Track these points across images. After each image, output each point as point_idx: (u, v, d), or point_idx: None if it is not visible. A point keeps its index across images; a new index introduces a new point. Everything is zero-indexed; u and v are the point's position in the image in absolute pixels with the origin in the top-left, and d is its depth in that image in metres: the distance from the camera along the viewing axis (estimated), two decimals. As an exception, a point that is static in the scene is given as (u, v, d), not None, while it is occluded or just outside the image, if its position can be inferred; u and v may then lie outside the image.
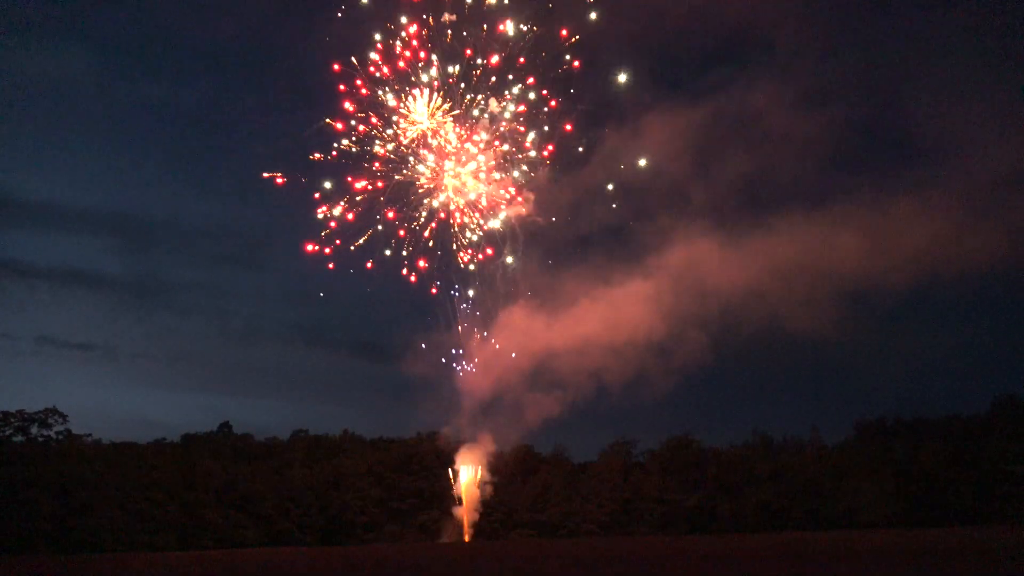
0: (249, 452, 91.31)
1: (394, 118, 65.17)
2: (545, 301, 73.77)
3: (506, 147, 66.47)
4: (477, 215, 68.18)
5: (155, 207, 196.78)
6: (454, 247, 68.78)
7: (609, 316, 73.46)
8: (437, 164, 66.76)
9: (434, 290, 70.25)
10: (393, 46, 63.85)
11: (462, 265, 69.57)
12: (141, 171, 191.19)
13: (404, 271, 68.46)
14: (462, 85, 64.25)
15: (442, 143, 66.25)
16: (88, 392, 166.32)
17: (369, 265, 67.60)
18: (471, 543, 76.59)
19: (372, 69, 64.12)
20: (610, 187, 68.89)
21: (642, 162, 68.59)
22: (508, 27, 63.13)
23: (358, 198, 66.17)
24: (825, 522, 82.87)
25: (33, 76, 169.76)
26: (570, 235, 72.10)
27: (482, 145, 66.30)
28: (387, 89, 64.44)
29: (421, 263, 68.45)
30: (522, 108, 65.37)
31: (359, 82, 64.27)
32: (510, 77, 64.56)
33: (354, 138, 65.26)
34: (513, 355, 72.91)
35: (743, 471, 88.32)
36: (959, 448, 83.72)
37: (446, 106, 64.73)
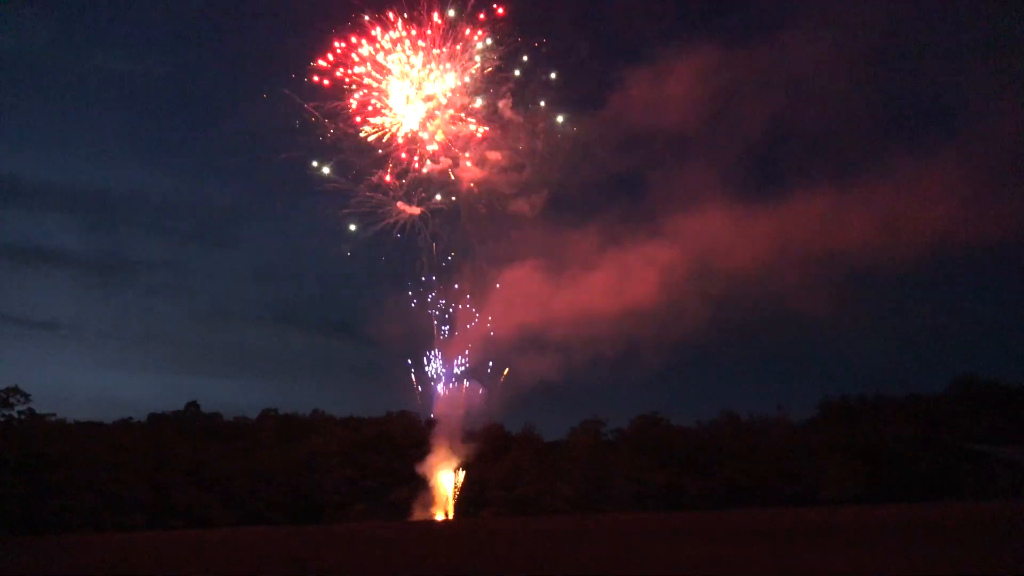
0: (218, 432, 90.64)
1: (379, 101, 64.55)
2: (544, 262, 73.07)
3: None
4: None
5: (119, 183, 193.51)
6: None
7: (609, 282, 72.39)
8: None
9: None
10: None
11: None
12: (105, 146, 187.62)
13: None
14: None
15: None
16: (52, 372, 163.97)
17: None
18: (442, 521, 76.87)
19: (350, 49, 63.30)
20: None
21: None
22: None
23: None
24: (791, 499, 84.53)
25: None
26: (575, 190, 71.02)
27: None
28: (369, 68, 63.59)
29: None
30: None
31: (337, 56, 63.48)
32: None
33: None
34: (504, 315, 72.06)
35: (711, 449, 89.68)
36: (921, 427, 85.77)
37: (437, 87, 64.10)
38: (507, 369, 73.89)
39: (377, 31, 63.09)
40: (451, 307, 73.70)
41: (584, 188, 71.67)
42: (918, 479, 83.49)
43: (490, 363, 74.50)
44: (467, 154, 66.82)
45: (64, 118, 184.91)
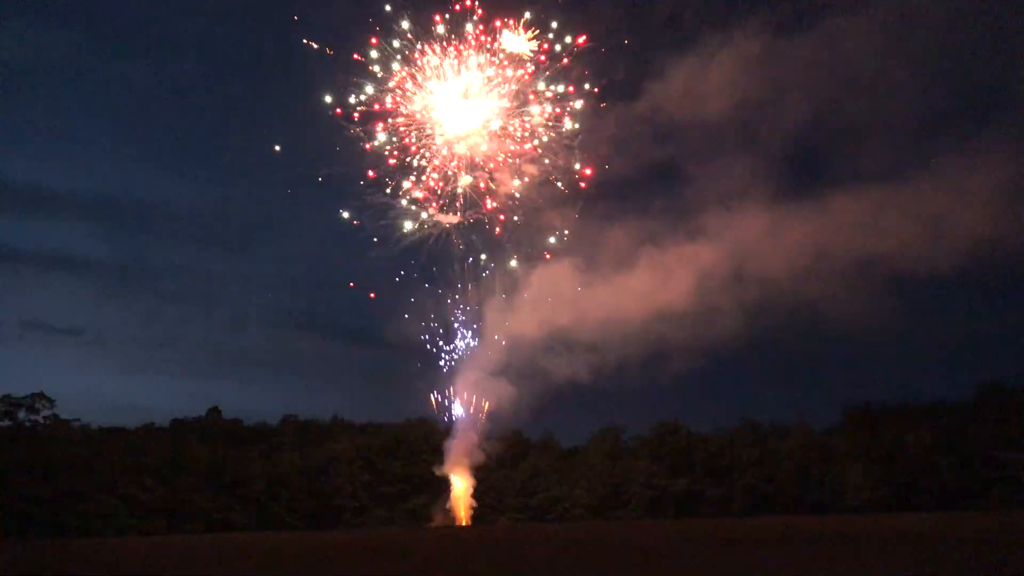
0: (238, 437, 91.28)
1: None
2: (575, 261, 72.53)
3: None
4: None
5: (141, 190, 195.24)
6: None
7: (640, 282, 70.98)
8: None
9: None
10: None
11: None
12: (127, 154, 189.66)
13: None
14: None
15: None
16: (75, 377, 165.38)
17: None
18: (460, 528, 76.86)
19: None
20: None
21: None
22: None
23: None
24: (811, 506, 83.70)
25: (16, 57, 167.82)
26: (609, 187, 70.39)
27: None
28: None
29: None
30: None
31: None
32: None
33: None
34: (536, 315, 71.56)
35: (730, 456, 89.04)
36: (944, 434, 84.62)
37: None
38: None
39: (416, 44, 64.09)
40: (479, 311, 74.35)
41: (619, 184, 70.71)
42: (941, 487, 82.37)
43: (517, 365, 74.63)
44: (503, 167, 67.62)
45: (87, 127, 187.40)
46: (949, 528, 43.63)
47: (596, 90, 65.95)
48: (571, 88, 65.27)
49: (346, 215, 67.91)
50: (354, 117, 64.40)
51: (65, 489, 71.28)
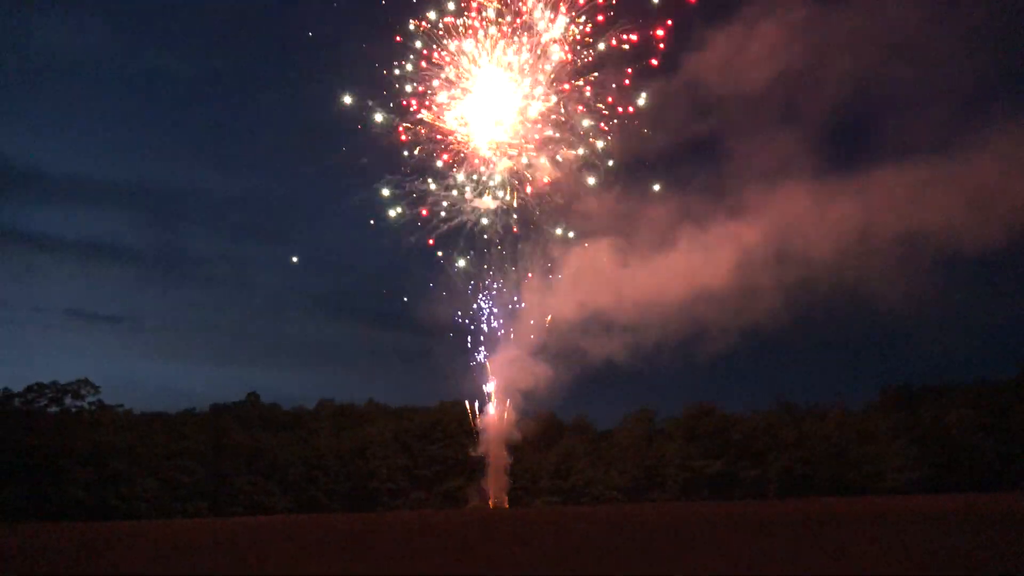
0: (276, 421, 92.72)
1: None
2: (613, 241, 71.93)
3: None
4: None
5: (178, 179, 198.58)
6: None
7: (677, 262, 69.79)
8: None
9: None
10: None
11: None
12: (164, 143, 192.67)
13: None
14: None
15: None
16: (117, 363, 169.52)
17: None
18: (495, 509, 77.38)
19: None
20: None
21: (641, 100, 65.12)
22: None
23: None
24: (849, 488, 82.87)
25: (55, 49, 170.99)
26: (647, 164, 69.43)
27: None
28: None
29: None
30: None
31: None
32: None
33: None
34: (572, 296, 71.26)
35: (766, 438, 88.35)
36: (987, 413, 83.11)
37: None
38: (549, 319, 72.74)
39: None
40: (516, 293, 74.48)
41: (658, 161, 69.43)
42: (984, 467, 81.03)
43: (553, 346, 74.56)
44: (542, 151, 67.53)
45: (127, 117, 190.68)
46: (989, 509, 42.92)
47: (629, 71, 65.14)
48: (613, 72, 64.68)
49: (384, 196, 68.07)
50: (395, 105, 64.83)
51: (110, 473, 73.16)
